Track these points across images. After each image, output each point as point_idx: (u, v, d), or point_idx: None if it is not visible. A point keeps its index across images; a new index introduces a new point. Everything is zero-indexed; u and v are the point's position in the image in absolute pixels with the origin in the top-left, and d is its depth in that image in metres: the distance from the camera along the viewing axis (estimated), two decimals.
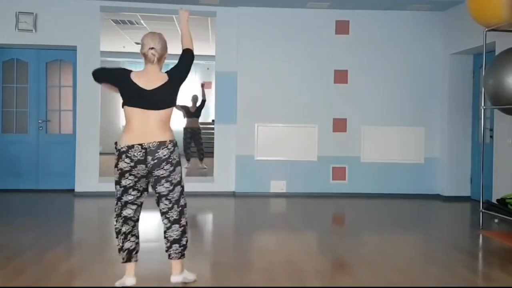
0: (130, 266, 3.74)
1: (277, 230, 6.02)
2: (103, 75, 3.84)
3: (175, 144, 3.68)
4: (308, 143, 8.23)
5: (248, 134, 8.17)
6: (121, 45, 12.93)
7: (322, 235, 5.85)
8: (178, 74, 3.75)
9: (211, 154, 8.88)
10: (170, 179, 3.65)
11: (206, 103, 11.27)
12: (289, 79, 8.18)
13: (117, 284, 3.75)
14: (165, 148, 3.60)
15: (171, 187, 3.67)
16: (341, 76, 8.23)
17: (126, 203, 3.68)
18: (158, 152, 3.57)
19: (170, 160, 3.62)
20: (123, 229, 3.72)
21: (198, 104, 11.25)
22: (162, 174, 3.62)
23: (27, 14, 7.87)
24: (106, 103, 13.03)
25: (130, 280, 3.72)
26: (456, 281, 4.06)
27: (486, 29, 5.98)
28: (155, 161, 3.58)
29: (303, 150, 8.22)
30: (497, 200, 6.20)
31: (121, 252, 3.74)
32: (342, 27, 8.24)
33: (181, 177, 3.74)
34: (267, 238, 5.67)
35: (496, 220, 6.27)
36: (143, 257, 4.33)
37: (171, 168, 3.64)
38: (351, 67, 8.23)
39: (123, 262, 3.75)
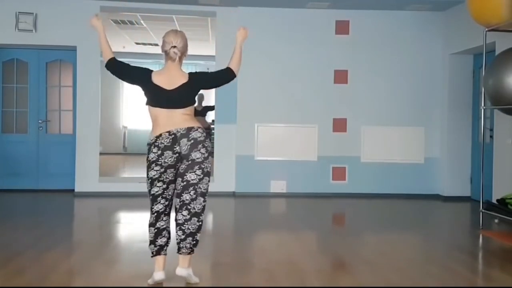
0: (159, 261, 3.73)
1: (277, 230, 6.02)
2: (123, 74, 3.81)
3: (206, 132, 3.71)
4: (308, 143, 8.23)
5: (248, 134, 8.17)
6: (121, 45, 12.92)
7: (322, 235, 5.85)
8: (201, 81, 3.78)
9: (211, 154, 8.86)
10: (203, 166, 3.64)
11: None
12: (289, 79, 8.18)
13: (149, 281, 3.76)
14: (197, 131, 3.64)
15: (202, 176, 3.65)
16: (341, 76, 8.23)
17: (155, 196, 3.69)
18: (191, 133, 3.61)
19: (206, 145, 3.66)
20: (158, 224, 3.72)
21: (204, 103, 11.15)
22: (198, 158, 3.61)
23: (27, 14, 7.87)
24: (106, 103, 13.06)
25: (159, 274, 3.72)
26: (456, 281, 4.06)
27: (486, 29, 5.98)
28: (192, 141, 3.60)
29: (303, 150, 8.22)
30: (497, 200, 6.20)
31: (151, 245, 3.73)
32: (342, 27, 8.24)
33: (210, 170, 3.73)
34: (267, 238, 5.67)
35: (496, 220, 6.26)
36: (140, 258, 4.33)
37: (206, 154, 3.66)
38: (351, 67, 8.23)
39: (153, 256, 3.75)
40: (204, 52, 12.37)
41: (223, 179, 8.17)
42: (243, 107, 8.17)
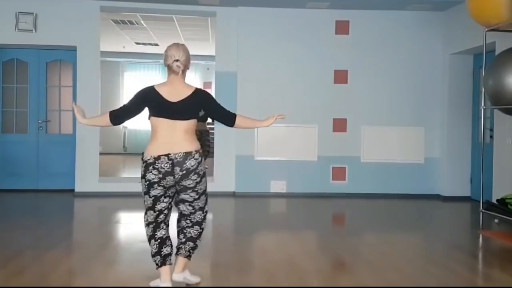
0: (166, 270, 3.67)
1: (277, 230, 6.02)
2: (130, 112, 3.76)
3: (201, 155, 3.68)
4: (308, 143, 8.23)
5: (248, 134, 8.16)
6: (121, 45, 12.93)
7: (322, 235, 5.85)
8: (206, 104, 3.73)
9: (211, 154, 8.89)
10: (196, 189, 3.67)
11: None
12: (289, 79, 8.18)
13: (151, 284, 3.75)
14: (192, 159, 3.60)
15: (197, 196, 3.70)
16: (341, 76, 8.23)
17: (161, 211, 3.69)
18: (185, 163, 3.58)
19: (198, 171, 3.63)
20: (159, 234, 3.69)
21: None
22: (189, 185, 3.63)
23: (27, 14, 7.87)
24: (106, 103, 13.06)
25: (166, 284, 3.66)
26: (456, 281, 4.06)
27: (486, 29, 5.98)
28: (184, 172, 3.59)
29: (303, 150, 8.22)
30: (497, 200, 6.20)
31: (156, 256, 3.68)
32: (342, 27, 8.24)
33: (206, 187, 3.75)
34: (267, 238, 5.67)
35: (496, 220, 6.27)
36: (140, 258, 4.33)
37: (198, 179, 3.65)
38: (351, 67, 8.23)
39: (158, 267, 3.68)
40: (204, 52, 12.39)
41: (223, 179, 8.17)
42: (243, 107, 8.14)
